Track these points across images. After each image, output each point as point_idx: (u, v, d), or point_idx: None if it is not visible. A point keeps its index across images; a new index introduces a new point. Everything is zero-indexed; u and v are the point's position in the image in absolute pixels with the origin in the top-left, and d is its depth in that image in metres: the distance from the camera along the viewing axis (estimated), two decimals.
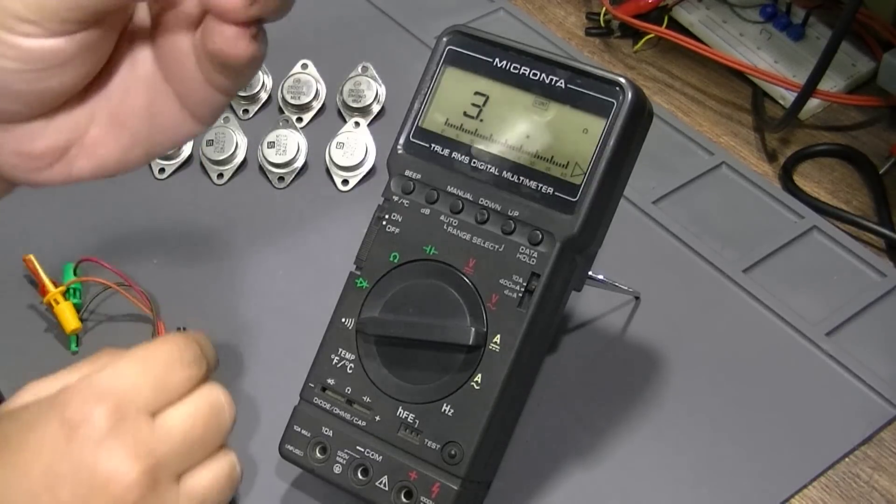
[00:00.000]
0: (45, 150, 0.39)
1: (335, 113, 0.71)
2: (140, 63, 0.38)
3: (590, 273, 0.52)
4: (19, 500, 0.42)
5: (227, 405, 0.48)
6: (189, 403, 0.46)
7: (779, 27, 0.75)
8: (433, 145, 0.49)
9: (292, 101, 0.70)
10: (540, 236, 0.47)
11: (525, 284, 0.47)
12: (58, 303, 0.58)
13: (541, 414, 0.55)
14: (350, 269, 0.50)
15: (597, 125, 0.46)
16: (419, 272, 0.48)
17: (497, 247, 0.47)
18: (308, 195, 0.67)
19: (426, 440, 0.47)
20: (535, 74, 0.48)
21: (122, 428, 0.42)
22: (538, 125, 0.47)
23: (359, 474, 0.48)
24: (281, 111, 0.71)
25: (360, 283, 0.49)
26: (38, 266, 0.60)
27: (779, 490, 0.54)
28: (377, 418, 0.48)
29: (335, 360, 0.49)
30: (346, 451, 0.48)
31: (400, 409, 0.47)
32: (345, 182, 0.67)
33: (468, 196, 0.48)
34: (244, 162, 0.68)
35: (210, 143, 0.67)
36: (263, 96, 0.72)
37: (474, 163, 0.48)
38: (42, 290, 0.59)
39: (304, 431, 0.49)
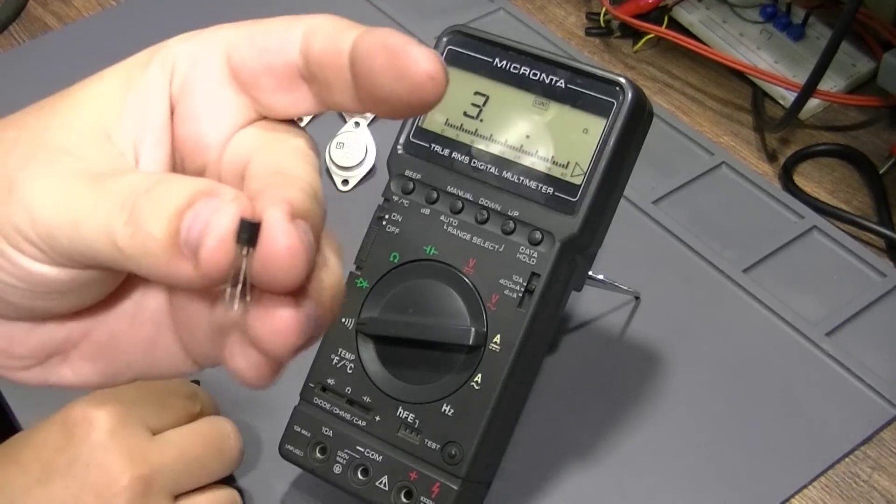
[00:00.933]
0: (25, 353, 0.33)
1: (335, 113, 0.71)
2: (151, 297, 0.33)
3: (590, 273, 0.52)
4: (15, 493, 0.42)
5: (234, 436, 0.49)
6: (190, 426, 0.46)
7: (779, 27, 0.75)
8: (433, 145, 0.49)
9: None
10: (540, 236, 0.47)
11: (525, 284, 0.47)
12: None
13: (541, 414, 0.55)
14: (350, 269, 0.50)
15: (597, 125, 0.46)
16: (419, 272, 0.48)
17: (497, 247, 0.47)
18: None
19: (426, 440, 0.47)
20: (535, 74, 0.48)
21: (121, 433, 0.42)
22: (538, 125, 0.47)
23: (359, 474, 0.48)
24: None
25: (360, 283, 0.49)
26: None
27: (779, 490, 0.54)
28: (377, 418, 0.48)
29: (335, 360, 0.49)
30: (346, 451, 0.48)
31: (400, 409, 0.47)
32: (345, 182, 0.67)
33: (468, 196, 0.48)
34: None
35: None
36: None
37: (474, 163, 0.48)
38: None
39: (304, 431, 0.49)
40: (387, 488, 0.47)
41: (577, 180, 0.46)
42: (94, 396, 0.42)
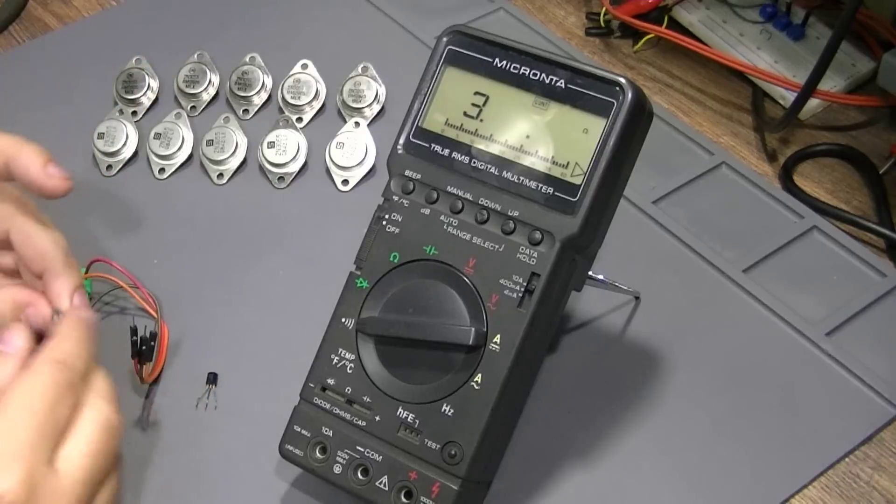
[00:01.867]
0: None
1: (335, 113, 0.71)
2: None
3: (590, 273, 0.52)
4: None
5: (117, 422, 0.48)
6: (81, 439, 0.45)
7: (779, 27, 0.75)
8: (433, 145, 0.49)
9: (292, 101, 0.70)
10: (540, 236, 0.47)
11: (525, 284, 0.47)
12: None
13: (541, 414, 0.55)
14: (350, 269, 0.50)
15: (597, 125, 0.46)
16: (419, 272, 0.48)
17: (497, 247, 0.47)
18: (308, 195, 0.67)
19: (426, 440, 0.47)
20: (535, 74, 0.48)
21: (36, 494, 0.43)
22: (538, 125, 0.47)
23: (359, 474, 0.48)
24: (281, 111, 0.71)
25: (360, 282, 0.49)
26: None
27: (779, 490, 0.54)
28: (377, 418, 0.48)
29: (335, 360, 0.49)
30: (346, 451, 0.48)
31: (400, 409, 0.47)
32: (345, 182, 0.67)
33: (468, 196, 0.48)
34: (244, 162, 0.68)
35: (210, 143, 0.67)
36: (263, 96, 0.72)
37: (474, 163, 0.48)
38: None
39: (304, 431, 0.49)
40: (387, 488, 0.47)
41: (577, 180, 0.46)
42: None
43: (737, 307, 0.61)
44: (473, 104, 0.49)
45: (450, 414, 0.47)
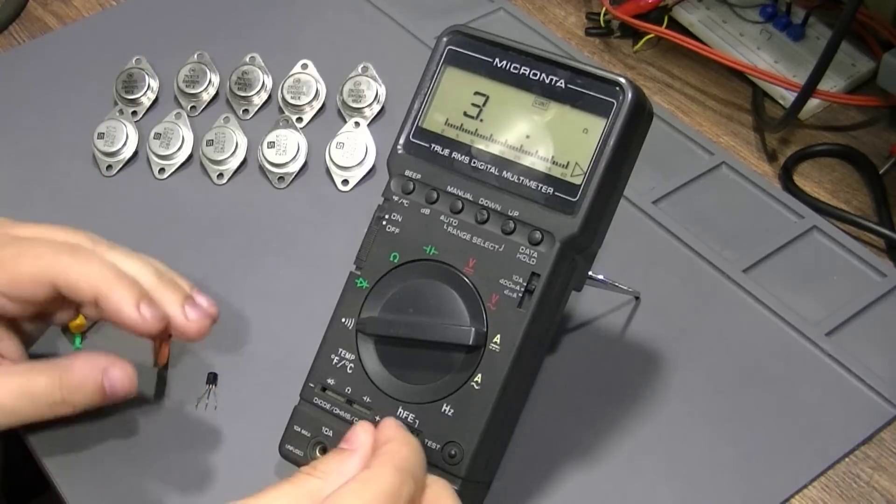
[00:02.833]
0: None
1: (335, 113, 0.71)
2: None
3: (590, 273, 0.52)
4: None
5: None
6: None
7: (779, 27, 0.75)
8: (433, 145, 0.49)
9: (292, 101, 0.70)
10: (540, 236, 0.47)
11: (525, 284, 0.47)
12: None
13: (541, 414, 0.55)
14: (350, 269, 0.50)
15: (597, 125, 0.46)
16: (419, 272, 0.48)
17: (497, 247, 0.47)
18: (308, 195, 0.67)
19: (426, 440, 0.47)
20: (535, 74, 0.48)
21: None
22: (538, 125, 0.47)
23: None
24: (281, 111, 0.71)
25: (360, 282, 0.49)
26: None
27: (779, 490, 0.54)
28: (377, 418, 0.48)
29: (335, 360, 0.49)
30: None
31: (400, 409, 0.47)
32: (345, 182, 0.67)
33: (468, 196, 0.48)
34: (244, 162, 0.68)
35: (210, 143, 0.68)
36: (263, 96, 0.72)
37: (474, 163, 0.48)
38: None
39: (304, 431, 0.49)
40: None
41: (577, 180, 0.46)
42: None
43: (737, 307, 0.61)
44: (473, 104, 0.49)
45: (450, 414, 0.47)
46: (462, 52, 0.49)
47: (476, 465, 0.46)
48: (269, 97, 0.72)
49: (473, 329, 0.46)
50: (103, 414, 0.55)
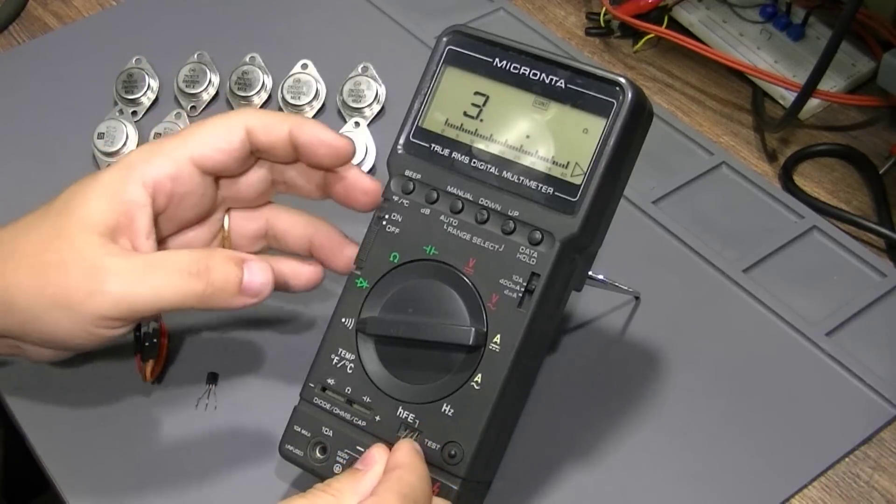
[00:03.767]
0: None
1: (335, 113, 0.71)
2: None
3: (590, 273, 0.52)
4: None
5: None
6: None
7: (779, 27, 0.75)
8: (433, 145, 0.49)
9: (292, 101, 0.70)
10: (540, 236, 0.47)
11: (525, 284, 0.47)
12: None
13: (541, 414, 0.55)
14: (350, 268, 0.50)
15: (597, 125, 0.46)
16: (419, 272, 0.48)
17: (497, 247, 0.47)
18: None
19: (426, 440, 0.47)
20: (535, 74, 0.48)
21: None
22: (538, 125, 0.47)
23: None
24: (281, 111, 0.71)
25: (360, 282, 0.49)
26: None
27: (779, 490, 0.54)
28: (377, 418, 0.48)
29: (335, 360, 0.49)
30: (346, 451, 0.48)
31: (400, 409, 0.47)
32: None
33: (468, 196, 0.48)
34: None
35: None
36: (263, 96, 0.72)
37: (474, 163, 0.48)
38: None
39: (304, 431, 0.49)
40: None
41: (578, 180, 0.46)
42: None
43: (737, 307, 0.61)
44: (473, 104, 0.49)
45: (450, 414, 0.47)
46: (462, 52, 0.49)
47: (476, 464, 0.46)
48: (269, 97, 0.72)
49: (473, 329, 0.46)
50: (103, 414, 0.55)
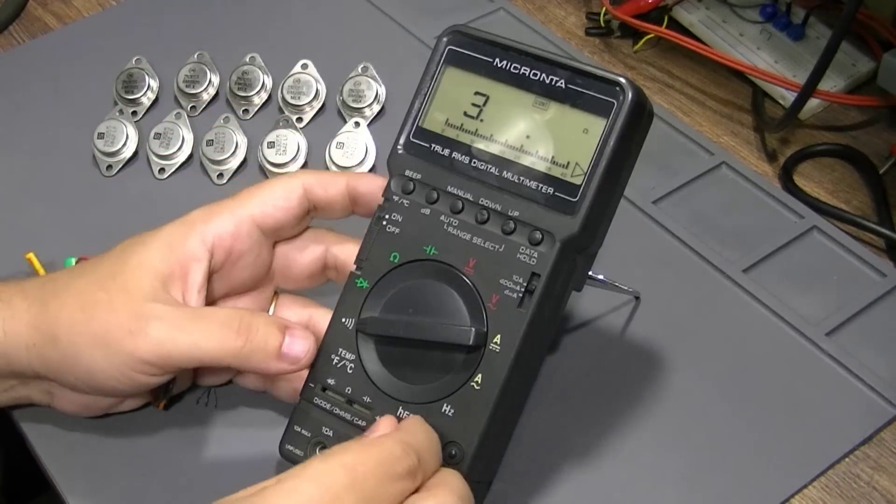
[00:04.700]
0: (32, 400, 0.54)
1: (335, 113, 0.71)
2: None
3: (590, 273, 0.52)
4: None
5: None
6: None
7: (779, 27, 0.75)
8: (433, 145, 0.49)
9: (292, 101, 0.70)
10: (540, 236, 0.47)
11: (525, 284, 0.47)
12: None
13: (541, 414, 0.55)
14: (350, 268, 0.50)
15: (597, 125, 0.46)
16: (419, 272, 0.48)
17: (497, 247, 0.47)
18: None
19: None
20: (535, 74, 0.48)
21: None
22: (538, 125, 0.47)
23: None
24: (281, 111, 0.71)
25: (360, 283, 0.49)
26: (38, 264, 0.60)
27: (779, 490, 0.54)
28: (377, 418, 0.48)
29: (335, 360, 0.49)
30: None
31: (400, 410, 0.47)
32: None
33: (468, 196, 0.48)
34: (244, 162, 0.68)
35: (210, 143, 0.68)
36: (263, 96, 0.72)
37: (474, 163, 0.48)
38: None
39: (304, 431, 0.49)
40: None
41: (578, 180, 0.46)
42: (291, 495, 0.40)
43: (737, 307, 0.61)
44: (473, 104, 0.49)
45: (450, 414, 0.47)
46: (462, 52, 0.49)
47: (476, 465, 0.46)
48: (269, 97, 0.72)
49: (473, 329, 0.46)
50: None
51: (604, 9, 0.76)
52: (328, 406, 0.49)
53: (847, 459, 0.55)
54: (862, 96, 0.72)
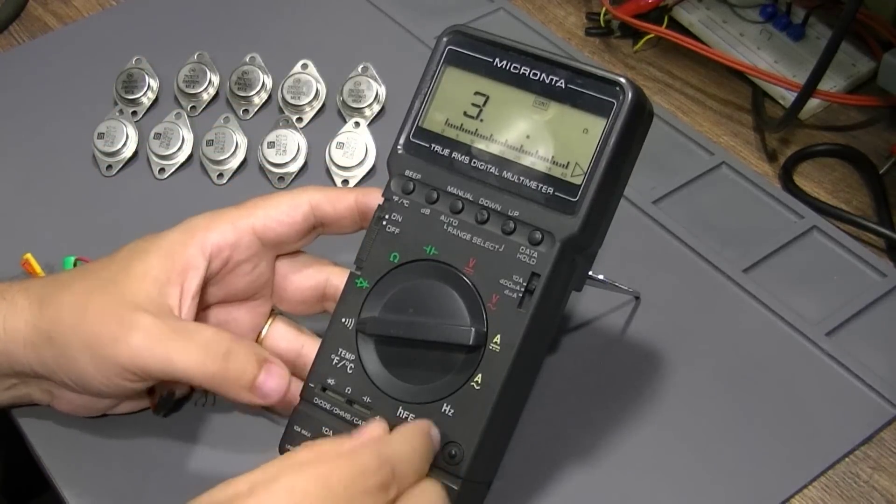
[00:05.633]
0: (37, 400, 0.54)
1: (335, 113, 0.71)
2: None
3: (590, 273, 0.52)
4: None
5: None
6: None
7: (779, 27, 0.75)
8: (433, 145, 0.49)
9: (292, 101, 0.70)
10: (540, 236, 0.47)
11: (525, 284, 0.47)
12: None
13: (541, 414, 0.55)
14: (350, 269, 0.50)
15: (597, 125, 0.46)
16: (419, 272, 0.48)
17: (497, 247, 0.47)
18: None
19: None
20: (535, 74, 0.48)
21: None
22: (538, 125, 0.47)
23: None
24: (281, 111, 0.71)
25: (361, 283, 0.49)
26: (35, 265, 0.60)
27: (779, 490, 0.54)
28: (377, 419, 0.48)
29: (335, 360, 0.49)
30: None
31: (400, 410, 0.47)
32: (345, 182, 0.67)
33: (468, 196, 0.48)
34: (244, 162, 0.68)
35: (210, 143, 0.68)
36: (263, 96, 0.72)
37: (474, 163, 0.48)
38: None
39: (304, 431, 0.49)
40: None
41: (578, 180, 0.46)
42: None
43: (737, 307, 0.61)
44: (473, 104, 0.49)
45: (450, 414, 0.47)
46: (462, 52, 0.49)
47: (476, 465, 0.46)
48: (269, 97, 0.72)
49: (473, 329, 0.46)
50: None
51: (604, 9, 0.76)
52: (328, 406, 0.49)
53: (847, 459, 0.55)
54: (862, 96, 0.72)
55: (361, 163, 0.67)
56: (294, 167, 0.67)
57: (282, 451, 0.49)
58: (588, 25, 0.78)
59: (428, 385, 0.47)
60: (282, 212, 0.52)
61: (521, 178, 0.47)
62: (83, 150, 0.69)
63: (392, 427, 0.46)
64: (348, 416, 0.48)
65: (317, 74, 0.72)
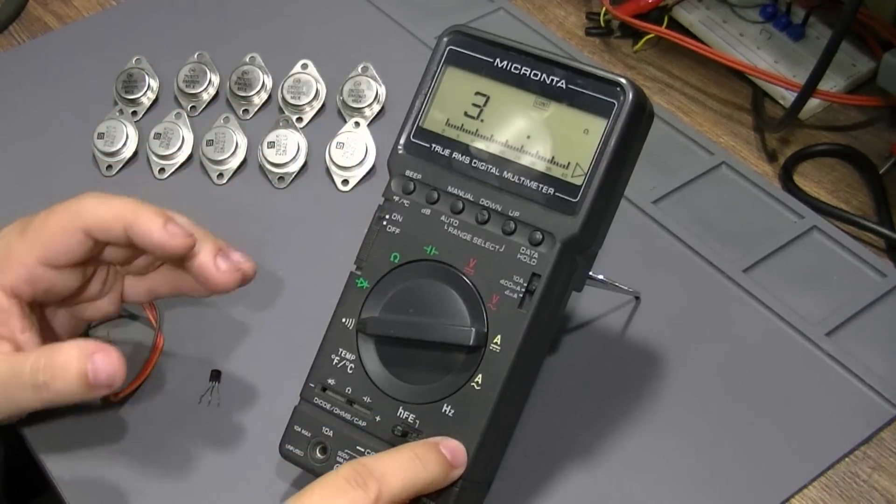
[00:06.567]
0: None
1: (335, 113, 0.71)
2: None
3: (590, 273, 0.52)
4: None
5: None
6: None
7: (779, 27, 0.75)
8: (434, 145, 0.49)
9: (292, 101, 0.70)
10: (540, 237, 0.47)
11: (526, 285, 0.47)
12: None
13: (541, 414, 0.55)
14: (350, 269, 0.50)
15: (597, 125, 0.46)
16: (419, 272, 0.48)
17: (498, 247, 0.47)
18: (308, 195, 0.67)
19: None
20: (535, 74, 0.48)
21: None
22: (539, 125, 0.47)
23: None
24: (281, 111, 0.71)
25: (361, 283, 0.49)
26: None
27: (779, 490, 0.54)
28: (377, 418, 0.48)
29: (335, 360, 0.49)
30: (346, 451, 0.48)
31: (400, 410, 0.47)
32: (345, 182, 0.67)
33: (469, 196, 0.48)
34: (244, 162, 0.68)
35: (210, 143, 0.68)
36: (263, 96, 0.72)
37: (475, 163, 0.48)
38: None
39: (304, 431, 0.49)
40: None
41: (578, 181, 0.46)
42: None
43: (737, 307, 0.61)
44: (474, 104, 0.49)
45: (450, 414, 0.47)
46: (463, 52, 0.49)
47: (476, 465, 0.47)
48: (269, 97, 0.72)
49: (474, 329, 0.46)
50: (103, 413, 0.55)
51: (604, 9, 0.76)
52: (328, 406, 0.49)
53: (847, 459, 0.55)
54: (862, 96, 0.72)
55: (361, 163, 0.67)
56: (294, 167, 0.67)
57: (282, 450, 0.49)
58: (588, 25, 0.78)
59: (428, 385, 0.47)
60: (57, 243, 0.51)
61: (522, 179, 0.47)
62: (83, 150, 0.69)
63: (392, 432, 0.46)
64: (348, 417, 0.48)
65: (317, 74, 0.72)
